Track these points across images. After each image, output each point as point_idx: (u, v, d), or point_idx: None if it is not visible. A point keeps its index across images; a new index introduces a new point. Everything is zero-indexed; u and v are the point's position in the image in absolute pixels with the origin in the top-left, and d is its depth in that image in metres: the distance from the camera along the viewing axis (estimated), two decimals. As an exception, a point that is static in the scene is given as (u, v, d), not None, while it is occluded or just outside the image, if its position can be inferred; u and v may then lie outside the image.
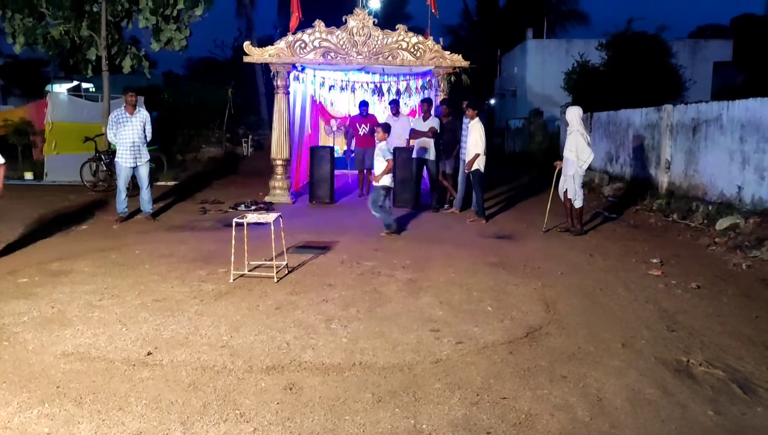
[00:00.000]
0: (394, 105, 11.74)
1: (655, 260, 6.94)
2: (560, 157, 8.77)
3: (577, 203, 8.37)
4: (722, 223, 8.47)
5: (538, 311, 5.13)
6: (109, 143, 9.40)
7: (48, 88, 22.63)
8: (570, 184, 8.34)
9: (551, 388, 3.66)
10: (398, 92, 13.94)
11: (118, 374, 3.78)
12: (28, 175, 13.72)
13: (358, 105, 12.57)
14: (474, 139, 9.16)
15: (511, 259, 7.03)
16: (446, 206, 10.54)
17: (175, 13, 12.41)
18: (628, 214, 10.35)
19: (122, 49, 13.08)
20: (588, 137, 8.42)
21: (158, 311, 4.98)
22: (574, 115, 8.33)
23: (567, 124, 8.57)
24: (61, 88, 22.87)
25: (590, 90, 16.13)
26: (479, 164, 9.20)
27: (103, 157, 12.22)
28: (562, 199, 8.58)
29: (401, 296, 5.52)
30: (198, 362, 3.97)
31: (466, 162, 9.31)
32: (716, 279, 6.22)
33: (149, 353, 4.10)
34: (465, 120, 9.80)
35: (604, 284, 5.96)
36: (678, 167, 10.76)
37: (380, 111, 16.08)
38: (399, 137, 10.66)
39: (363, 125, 11.92)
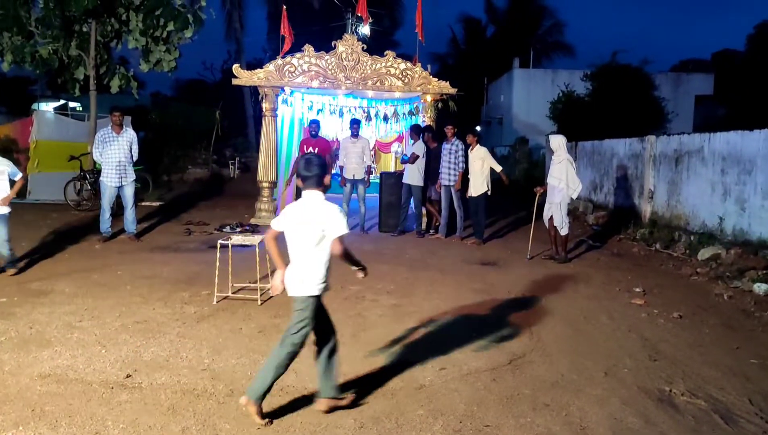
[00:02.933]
0: (355, 125, 10.69)
1: (638, 289, 6.98)
2: (543, 185, 8.85)
3: (563, 231, 8.43)
4: (704, 254, 8.56)
5: (522, 338, 5.12)
6: (95, 162, 9.34)
7: (34, 106, 22.52)
8: (556, 211, 8.41)
9: (534, 417, 3.65)
10: (386, 117, 14.06)
11: (95, 397, 3.71)
12: (11, 193, 13.55)
13: (308, 123, 11.01)
14: (481, 163, 9.58)
15: (496, 286, 7.04)
16: (431, 232, 10.57)
17: (164, 34, 12.45)
18: (612, 242, 10.43)
19: (111, 69, 13.09)
20: (575, 166, 8.54)
21: (139, 333, 4.91)
22: (561, 143, 8.44)
23: (552, 153, 8.66)
24: (47, 107, 22.77)
25: (575, 119, 16.37)
26: (484, 188, 9.57)
27: (87, 176, 12.15)
28: (547, 226, 8.65)
29: (385, 321, 5.50)
30: (178, 385, 3.92)
31: (474, 186, 9.62)
32: (698, 309, 6.26)
33: (128, 376, 4.03)
34: (444, 145, 9.93)
35: (588, 312, 5.99)
36: (661, 197, 10.89)
37: (367, 134, 16.18)
38: (357, 160, 10.40)
39: (311, 148, 10.10)
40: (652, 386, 4.17)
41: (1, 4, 11.28)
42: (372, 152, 17.64)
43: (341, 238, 3.44)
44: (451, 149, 9.82)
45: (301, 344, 3.48)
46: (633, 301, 6.51)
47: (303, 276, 3.43)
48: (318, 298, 3.48)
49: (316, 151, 9.78)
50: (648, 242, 10.05)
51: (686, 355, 4.85)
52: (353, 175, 10.45)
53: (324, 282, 3.46)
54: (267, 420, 3.46)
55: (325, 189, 3.55)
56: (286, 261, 3.54)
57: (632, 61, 17.09)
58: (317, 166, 3.48)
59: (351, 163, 10.45)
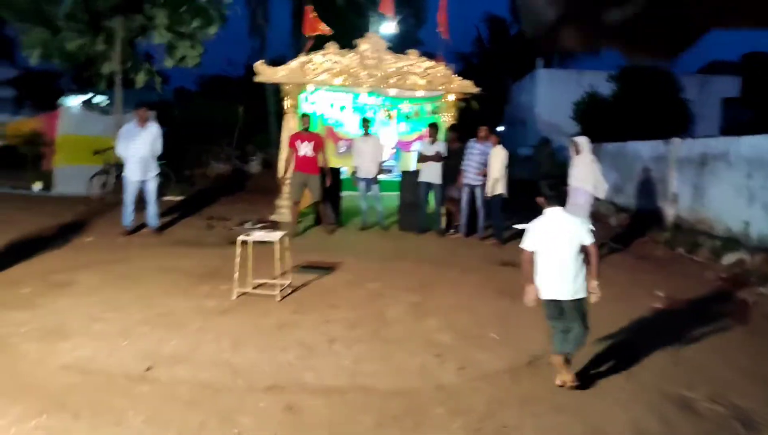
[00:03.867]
0: (367, 123, 10.66)
1: (660, 293, 6.89)
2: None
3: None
4: (728, 259, 8.42)
5: (542, 340, 5.06)
6: (119, 156, 9.46)
7: (61, 100, 22.85)
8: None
9: (553, 418, 3.61)
10: (408, 116, 14.04)
11: (117, 388, 3.76)
12: (37, 186, 13.78)
13: (300, 117, 10.43)
14: (498, 164, 9.46)
15: (516, 286, 6.94)
16: (451, 231, 10.53)
17: (189, 30, 12.56)
18: (635, 245, 10.30)
19: (136, 64, 13.23)
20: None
21: (160, 326, 4.96)
22: (585, 144, 8.37)
23: (576, 154, 8.52)
24: (74, 101, 23.09)
25: (599, 121, 16.19)
26: (502, 189, 9.47)
27: (111, 170, 12.29)
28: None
29: (405, 319, 5.49)
30: (197, 379, 3.95)
31: (488, 186, 9.51)
32: (721, 315, 6.16)
33: (149, 368, 4.07)
34: (472, 144, 9.84)
35: (609, 315, 5.91)
36: (685, 201, 10.73)
37: (386, 134, 16.16)
38: (370, 159, 10.38)
39: (305, 143, 9.63)
40: (673, 391, 4.11)
41: (31, 0, 11.45)
42: (392, 150, 17.70)
43: (593, 245, 4.00)
44: (483, 150, 9.73)
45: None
46: (655, 304, 6.42)
47: (574, 282, 3.98)
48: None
49: (311, 146, 9.50)
50: (671, 246, 9.92)
51: (708, 360, 4.77)
52: (366, 174, 10.43)
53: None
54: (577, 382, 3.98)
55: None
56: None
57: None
58: (561, 188, 4.10)
59: (364, 162, 10.42)
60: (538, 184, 4.13)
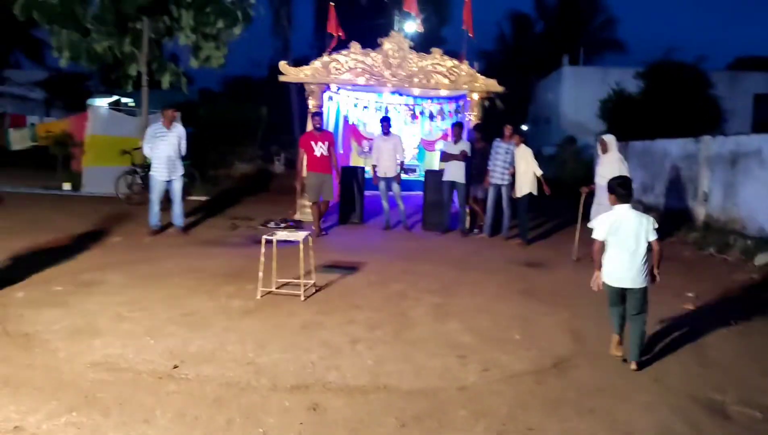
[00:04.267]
0: (386, 123, 10.60)
1: (689, 294, 6.78)
2: (589, 185, 8.65)
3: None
4: (761, 259, 8.26)
5: (567, 342, 5.04)
6: (145, 157, 9.58)
7: (90, 101, 23.24)
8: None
9: (578, 422, 3.58)
10: (431, 115, 14.01)
11: (144, 386, 3.81)
12: (66, 186, 14.04)
13: (311, 116, 10.39)
14: (526, 163, 9.44)
15: (540, 287, 6.94)
16: (476, 231, 10.48)
17: (214, 31, 12.68)
18: (663, 245, 10.13)
19: (162, 65, 13.39)
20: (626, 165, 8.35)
21: (186, 325, 5.02)
22: (613, 142, 8.27)
23: (603, 151, 8.37)
24: (102, 102, 23.46)
25: (626, 119, 15.97)
26: (531, 188, 9.43)
27: (138, 170, 12.47)
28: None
29: (428, 320, 5.48)
30: (223, 378, 3.98)
31: (519, 187, 9.50)
32: (753, 316, 6.03)
33: (175, 367, 4.12)
34: (497, 143, 9.78)
35: (636, 317, 5.83)
36: (715, 200, 10.54)
37: (409, 134, 16.16)
38: (389, 158, 10.34)
39: (319, 143, 9.60)
40: (702, 394, 4.04)
41: (60, 2, 11.66)
42: (415, 150, 17.67)
43: (658, 241, 4.50)
44: (508, 149, 9.67)
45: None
46: (684, 305, 6.32)
47: (640, 273, 4.44)
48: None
49: (326, 145, 9.50)
50: (701, 246, 9.74)
51: (739, 363, 4.68)
52: (385, 173, 10.37)
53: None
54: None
55: None
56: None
57: (687, 59, 16.60)
58: (630, 187, 4.61)
59: (384, 160, 10.37)
60: (608, 183, 4.77)
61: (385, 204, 10.63)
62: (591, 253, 4.70)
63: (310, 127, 10.33)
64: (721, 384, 4.23)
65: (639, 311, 4.49)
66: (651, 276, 4.52)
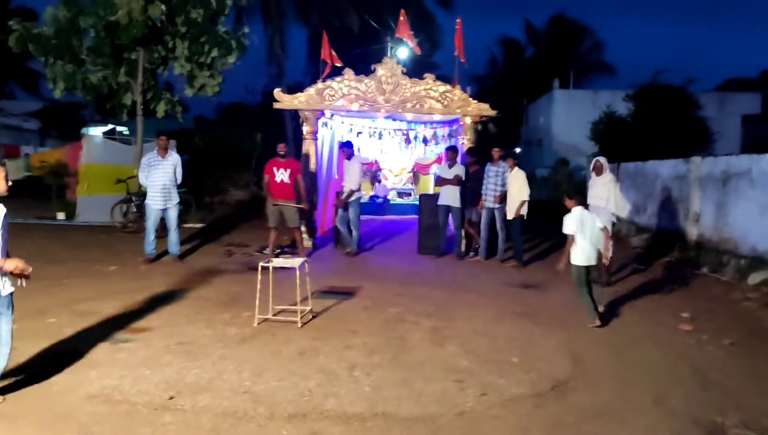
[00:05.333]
0: (347, 148, 10.75)
1: (685, 314, 6.78)
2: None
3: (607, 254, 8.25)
4: (755, 278, 8.28)
5: (565, 364, 5.02)
6: (140, 185, 9.59)
7: (84, 130, 23.32)
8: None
9: (579, 446, 3.55)
10: (425, 139, 14.11)
11: (140, 418, 3.78)
12: (61, 216, 14.00)
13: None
14: (518, 186, 9.48)
15: (537, 309, 6.94)
16: (471, 254, 10.49)
17: (209, 60, 12.77)
18: (657, 266, 10.17)
19: (157, 94, 13.46)
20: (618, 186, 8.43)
21: (182, 354, 4.98)
22: (605, 163, 8.35)
23: (598, 174, 8.42)
24: (96, 131, 23.54)
25: (617, 140, 16.11)
26: (522, 211, 9.45)
27: (133, 198, 12.47)
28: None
29: (425, 344, 5.46)
30: (220, 408, 3.95)
31: (511, 209, 9.51)
32: (750, 336, 6.04)
33: (171, 397, 4.09)
34: (488, 167, 9.91)
35: (633, 338, 5.84)
36: (707, 220, 10.60)
37: (406, 157, 16.27)
38: (350, 180, 10.34)
39: (281, 170, 9.60)
40: (703, 417, 4.03)
41: (56, 34, 11.76)
42: (410, 174, 17.73)
43: (605, 228, 6.59)
44: (498, 171, 9.77)
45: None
46: (680, 326, 6.32)
47: (594, 253, 6.24)
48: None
49: (287, 172, 9.50)
50: (695, 266, 9.77)
51: (739, 384, 4.67)
52: (350, 197, 10.31)
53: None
54: None
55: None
56: None
57: (675, 81, 16.83)
58: (581, 192, 6.87)
59: (350, 186, 10.38)
60: (565, 194, 6.52)
61: (342, 229, 10.59)
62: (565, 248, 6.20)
63: (303, 152, 10.33)
64: (722, 406, 4.21)
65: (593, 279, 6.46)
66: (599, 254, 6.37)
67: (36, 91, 37.02)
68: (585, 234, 6.11)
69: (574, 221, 6.12)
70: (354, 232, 10.48)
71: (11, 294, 3.97)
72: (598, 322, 6.10)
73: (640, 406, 4.18)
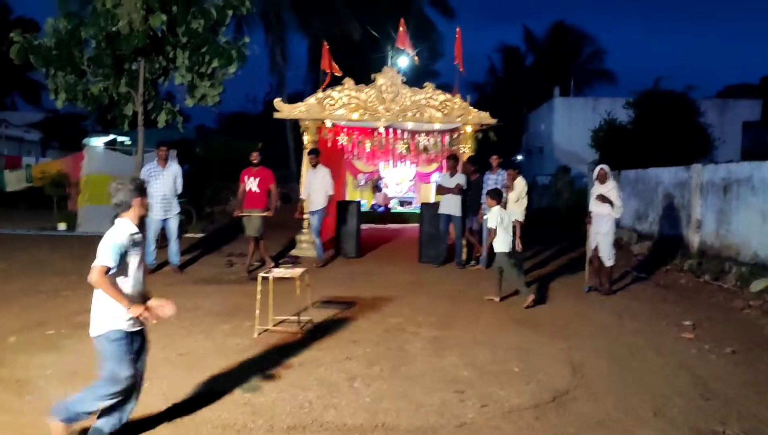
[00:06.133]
0: (313, 155, 10.29)
1: (687, 323, 6.76)
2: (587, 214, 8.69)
3: (609, 262, 8.23)
4: (757, 285, 8.25)
5: (565, 374, 4.99)
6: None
7: (86, 141, 23.37)
8: (603, 241, 8.20)
9: (580, 458, 3.53)
10: (426, 148, 14.10)
11: (138, 431, 3.75)
12: (62, 226, 14.01)
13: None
14: (517, 194, 9.47)
15: (538, 318, 6.91)
16: (472, 263, 10.47)
17: (209, 70, 12.79)
18: (658, 273, 10.15)
19: (158, 104, 13.45)
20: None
21: (182, 365, 4.97)
22: (608, 171, 8.31)
23: (600, 182, 8.37)
24: (98, 142, 23.58)
25: (618, 148, 16.09)
26: (520, 217, 9.42)
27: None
28: (590, 255, 8.47)
29: (426, 355, 5.44)
30: (219, 420, 3.93)
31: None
32: (752, 344, 6.01)
33: (170, 409, 4.07)
34: (487, 176, 9.93)
35: (634, 347, 5.81)
36: (709, 227, 10.58)
37: (405, 169, 16.28)
38: (316, 190, 10.08)
39: (251, 178, 9.43)
40: (704, 427, 4.00)
41: (57, 45, 11.79)
42: (411, 183, 17.74)
43: (518, 220, 8.63)
44: (497, 179, 9.78)
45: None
46: (682, 335, 6.29)
47: (511, 242, 7.80)
48: None
49: (257, 181, 9.31)
50: (696, 273, 9.75)
51: (740, 393, 4.64)
52: (316, 207, 10.11)
53: None
54: None
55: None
56: None
57: (676, 87, 16.76)
58: (501, 195, 8.07)
59: (314, 195, 10.16)
60: (489, 192, 7.97)
61: (316, 240, 10.30)
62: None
63: (305, 162, 10.28)
64: (724, 416, 4.19)
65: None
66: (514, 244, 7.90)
67: (38, 102, 37.17)
68: (505, 227, 7.61)
69: (496, 218, 7.56)
70: (316, 241, 10.24)
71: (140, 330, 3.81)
72: (532, 298, 7.30)
73: (641, 416, 4.15)
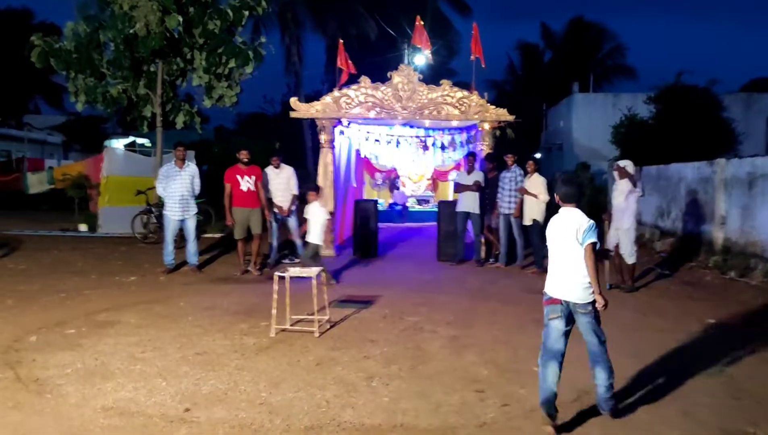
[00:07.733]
0: (276, 157, 9.87)
1: (713, 321, 6.59)
2: (605, 211, 8.56)
3: (630, 260, 8.09)
4: (784, 282, 8.04)
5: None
6: (159, 196, 9.63)
7: (106, 143, 23.62)
8: (624, 238, 8.06)
9: (604, 459, 3.43)
10: (443, 146, 14.02)
11: (155, 431, 3.73)
12: (83, 227, 14.14)
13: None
14: (538, 191, 9.36)
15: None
16: (491, 260, 10.37)
17: (227, 71, 12.83)
18: (682, 270, 9.95)
19: (176, 106, 13.54)
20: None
21: (199, 365, 4.95)
22: (630, 167, 8.15)
23: (621, 176, 8.21)
24: (118, 144, 23.82)
25: (639, 144, 15.84)
26: (539, 216, 9.28)
27: (153, 209, 12.54)
28: (611, 253, 8.33)
29: (445, 354, 5.36)
30: (236, 420, 3.90)
31: (528, 214, 9.47)
32: (781, 342, 5.84)
33: (187, 409, 4.04)
34: (503, 174, 9.84)
35: (659, 346, 5.67)
36: (734, 223, 10.35)
37: (425, 165, 16.18)
38: (281, 191, 9.63)
39: (245, 177, 9.24)
40: (734, 427, 3.87)
41: (77, 49, 11.90)
42: (429, 181, 17.61)
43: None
44: (512, 177, 9.70)
45: None
46: (709, 333, 6.13)
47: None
48: None
49: (252, 179, 9.12)
50: (722, 270, 9.54)
51: (770, 393, 4.50)
52: (280, 208, 9.69)
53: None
54: None
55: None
56: None
57: (698, 82, 16.46)
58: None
59: (276, 196, 9.65)
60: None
61: (274, 242, 9.97)
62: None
63: (321, 161, 10.21)
64: (754, 416, 4.06)
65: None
66: None
67: (60, 105, 37.72)
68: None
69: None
70: (298, 241, 9.77)
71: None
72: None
73: (669, 416, 4.03)
